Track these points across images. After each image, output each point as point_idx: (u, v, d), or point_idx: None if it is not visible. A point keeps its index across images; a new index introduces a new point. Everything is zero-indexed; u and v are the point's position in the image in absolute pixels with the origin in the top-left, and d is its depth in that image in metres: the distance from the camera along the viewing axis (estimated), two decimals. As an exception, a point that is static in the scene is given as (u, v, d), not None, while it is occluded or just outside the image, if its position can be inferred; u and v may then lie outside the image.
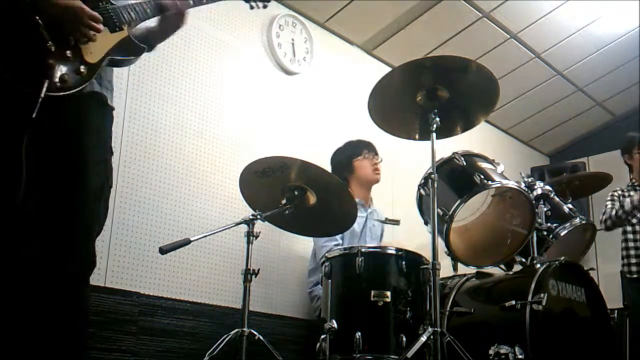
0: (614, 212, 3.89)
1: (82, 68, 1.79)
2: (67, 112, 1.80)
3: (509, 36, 4.66)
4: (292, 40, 4.06)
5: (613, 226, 3.94)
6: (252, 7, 2.34)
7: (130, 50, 1.94)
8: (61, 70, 1.74)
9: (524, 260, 3.06)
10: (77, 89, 1.77)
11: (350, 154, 3.60)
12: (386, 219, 3.45)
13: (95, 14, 1.81)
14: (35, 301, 1.73)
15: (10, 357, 1.69)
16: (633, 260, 4.00)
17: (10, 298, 1.72)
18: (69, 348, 1.77)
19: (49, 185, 1.77)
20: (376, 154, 3.64)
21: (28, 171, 1.70)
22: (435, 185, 2.58)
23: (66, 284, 1.78)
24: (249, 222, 2.66)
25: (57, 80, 1.72)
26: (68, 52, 1.77)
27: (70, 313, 1.78)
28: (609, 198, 4.03)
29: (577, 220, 3.27)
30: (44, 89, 1.67)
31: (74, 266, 1.79)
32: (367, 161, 3.59)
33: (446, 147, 2.92)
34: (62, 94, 1.73)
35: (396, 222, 3.43)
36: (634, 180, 4.11)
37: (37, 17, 1.71)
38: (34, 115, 1.64)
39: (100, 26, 1.82)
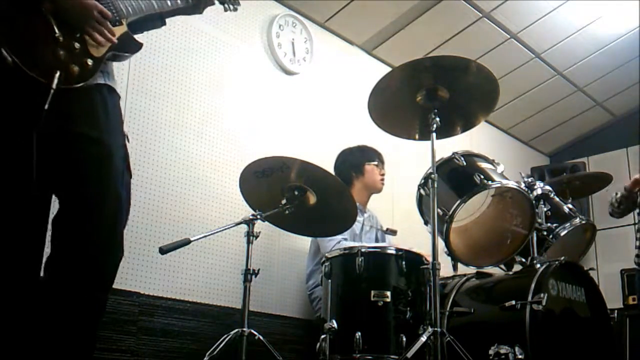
0: (613, 200, 3.78)
1: (89, 61, 1.79)
2: (85, 101, 1.81)
3: (509, 36, 4.66)
4: (292, 40, 4.05)
5: (614, 214, 3.83)
6: (226, 10, 2.36)
7: (128, 45, 1.95)
8: (69, 61, 1.73)
9: (524, 260, 3.06)
10: (84, 82, 1.77)
11: (364, 157, 3.64)
12: (387, 229, 3.46)
13: (105, 10, 1.82)
14: (54, 294, 1.74)
15: (20, 351, 1.69)
16: None
17: (29, 290, 1.72)
18: (78, 344, 1.77)
19: (73, 176, 1.78)
20: (384, 166, 3.70)
21: (50, 163, 1.71)
22: (435, 185, 2.58)
23: (87, 276, 1.77)
24: (249, 222, 2.66)
25: (65, 72, 1.71)
26: (76, 44, 1.76)
27: (84, 308, 1.78)
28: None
29: (577, 220, 3.27)
30: (55, 80, 1.66)
31: (101, 257, 1.79)
32: (377, 169, 3.65)
33: (446, 147, 2.92)
34: (69, 86, 1.73)
35: (394, 233, 3.44)
36: None
37: (44, 7, 1.70)
38: (46, 107, 1.63)
39: (107, 23, 1.82)
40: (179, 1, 2.08)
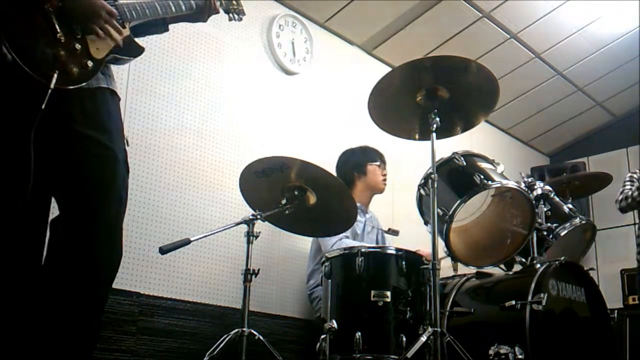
0: (635, 193, 3.76)
1: (89, 63, 1.79)
2: (89, 104, 1.82)
3: (509, 36, 4.66)
4: (292, 40, 4.05)
5: (627, 208, 3.84)
6: (230, 19, 2.38)
7: (130, 49, 1.95)
8: (68, 62, 1.74)
9: (524, 260, 3.06)
10: (83, 83, 1.78)
11: (366, 157, 3.65)
12: (389, 229, 3.46)
13: (113, 10, 1.83)
14: (56, 292, 1.74)
15: (23, 349, 1.69)
16: None
17: (33, 288, 1.73)
18: (80, 340, 1.77)
19: (76, 176, 1.79)
20: (386, 166, 3.70)
21: (54, 164, 1.71)
22: (435, 185, 2.58)
23: (90, 275, 1.78)
24: (249, 222, 2.66)
25: (64, 72, 1.72)
26: (77, 44, 1.77)
27: (87, 305, 1.78)
28: (627, 179, 3.95)
29: (577, 220, 3.27)
30: (54, 80, 1.67)
31: (103, 256, 1.80)
32: (379, 169, 3.65)
33: (446, 147, 2.92)
34: (68, 87, 1.73)
35: (396, 233, 3.44)
36: None
37: (47, 6, 1.70)
38: (43, 107, 1.64)
39: (115, 23, 1.83)
40: (183, 8, 2.09)
